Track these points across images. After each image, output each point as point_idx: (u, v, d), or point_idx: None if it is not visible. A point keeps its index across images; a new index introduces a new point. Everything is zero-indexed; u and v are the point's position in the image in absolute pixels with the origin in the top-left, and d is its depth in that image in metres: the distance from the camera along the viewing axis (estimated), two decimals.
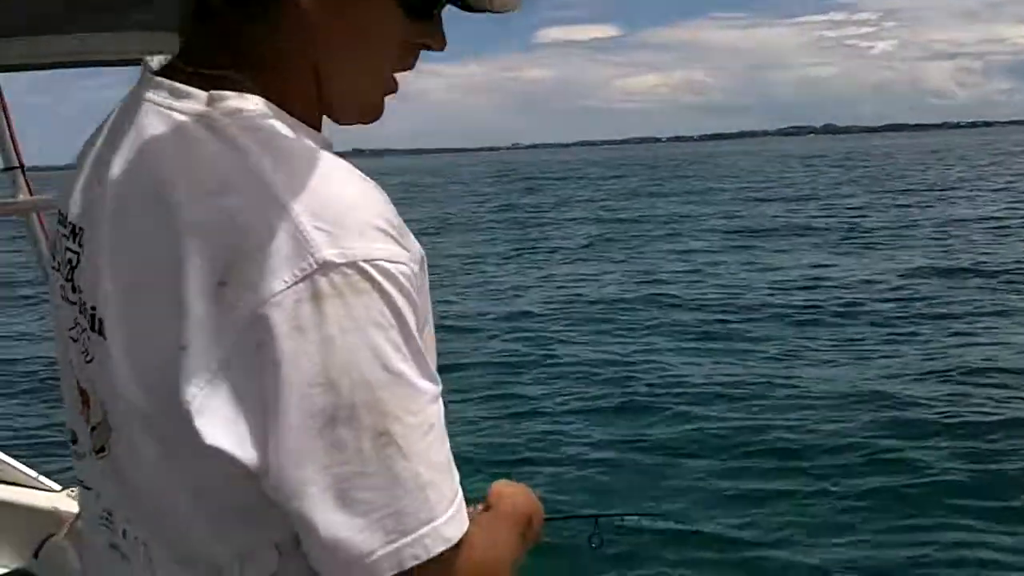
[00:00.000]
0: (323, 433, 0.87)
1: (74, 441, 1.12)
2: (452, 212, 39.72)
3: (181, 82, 1.00)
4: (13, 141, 2.50)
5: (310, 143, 0.98)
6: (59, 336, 1.11)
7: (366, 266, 0.89)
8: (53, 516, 2.54)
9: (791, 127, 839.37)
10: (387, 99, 1.10)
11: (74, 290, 1.05)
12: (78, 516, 2.18)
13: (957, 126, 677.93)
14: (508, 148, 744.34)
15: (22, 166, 2.50)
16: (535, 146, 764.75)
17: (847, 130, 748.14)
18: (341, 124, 1.09)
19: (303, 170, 0.93)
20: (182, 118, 0.98)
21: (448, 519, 0.92)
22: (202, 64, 1.00)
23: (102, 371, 1.00)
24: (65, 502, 2.50)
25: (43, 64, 2.30)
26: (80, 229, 1.04)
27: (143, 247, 0.94)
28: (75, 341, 1.05)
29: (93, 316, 1.00)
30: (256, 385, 0.88)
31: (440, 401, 0.95)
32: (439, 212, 38.80)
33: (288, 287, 0.87)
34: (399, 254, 0.92)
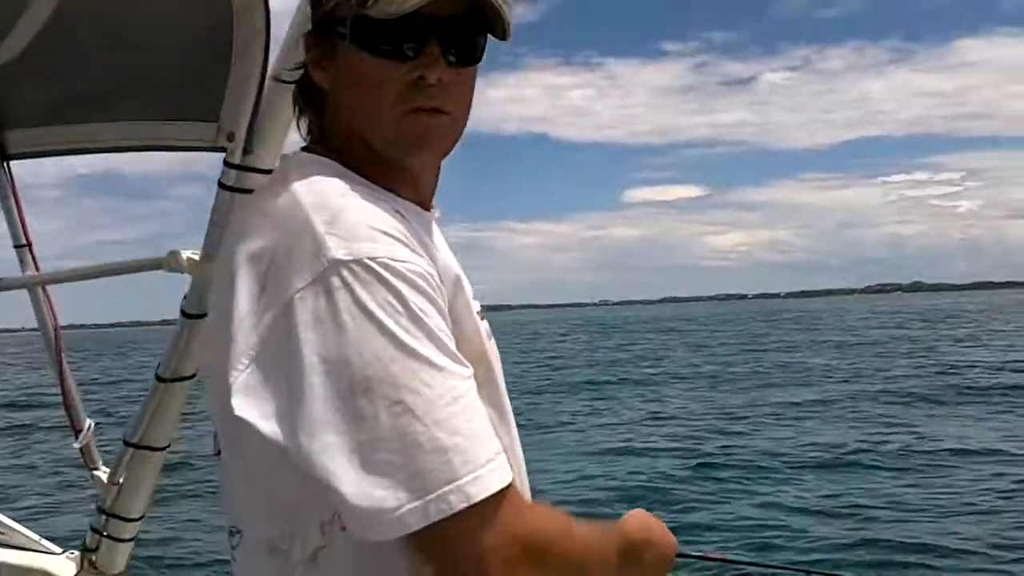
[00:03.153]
0: (343, 404, 1.00)
1: None
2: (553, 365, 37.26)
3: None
4: (22, 220, 2.56)
5: (342, 180, 1.15)
6: None
7: (370, 262, 1.04)
8: None
9: (878, 284, 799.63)
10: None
11: None
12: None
13: None
14: (597, 304, 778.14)
15: (30, 244, 2.54)
16: (624, 303, 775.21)
17: (936, 287, 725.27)
18: (400, 161, 1.23)
19: (329, 194, 1.12)
20: (267, 182, 1.25)
21: (473, 479, 1.00)
22: (310, 141, 1.31)
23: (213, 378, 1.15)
24: (63, 564, 2.51)
25: (80, 149, 2.33)
26: None
27: (221, 276, 1.16)
28: None
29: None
30: (284, 367, 1.03)
31: (470, 380, 1.07)
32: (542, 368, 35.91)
33: (308, 284, 1.03)
34: (404, 254, 1.07)
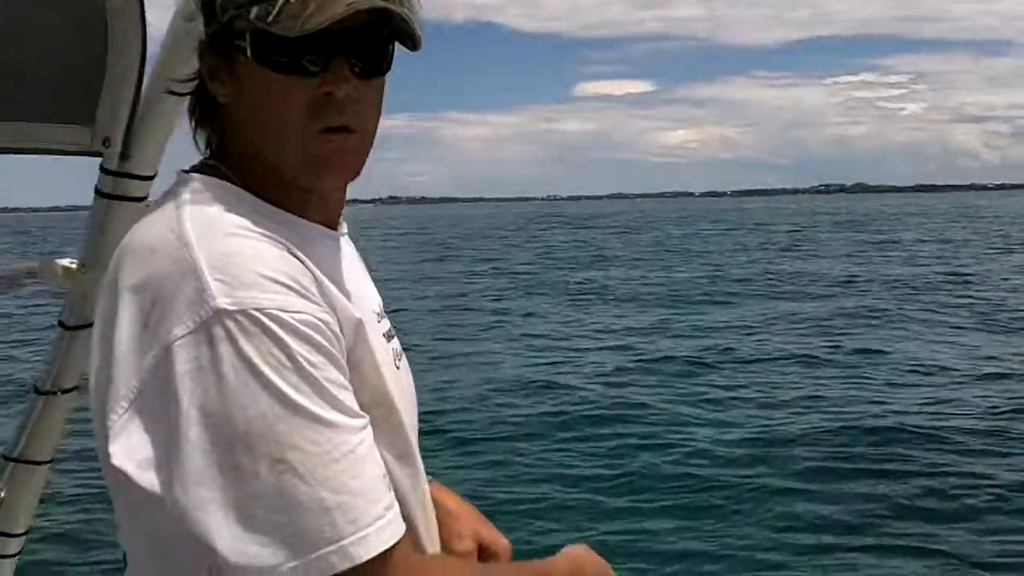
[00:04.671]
0: (222, 459, 0.96)
1: None
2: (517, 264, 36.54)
3: (192, 170, 1.19)
4: None
5: (237, 212, 1.09)
6: None
7: (256, 313, 0.98)
8: None
9: (822, 185, 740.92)
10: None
11: None
12: None
13: (985, 188, 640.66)
14: (545, 199, 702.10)
15: None
16: (573, 198, 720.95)
17: (878, 189, 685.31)
18: (309, 185, 1.17)
19: (219, 232, 1.05)
20: (158, 200, 1.17)
21: (357, 539, 0.98)
22: (207, 157, 1.22)
23: None
24: None
25: None
26: None
27: (106, 294, 1.09)
28: None
29: None
30: (162, 416, 0.98)
31: (363, 433, 1.03)
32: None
33: (189, 332, 0.98)
34: (294, 303, 1.02)
